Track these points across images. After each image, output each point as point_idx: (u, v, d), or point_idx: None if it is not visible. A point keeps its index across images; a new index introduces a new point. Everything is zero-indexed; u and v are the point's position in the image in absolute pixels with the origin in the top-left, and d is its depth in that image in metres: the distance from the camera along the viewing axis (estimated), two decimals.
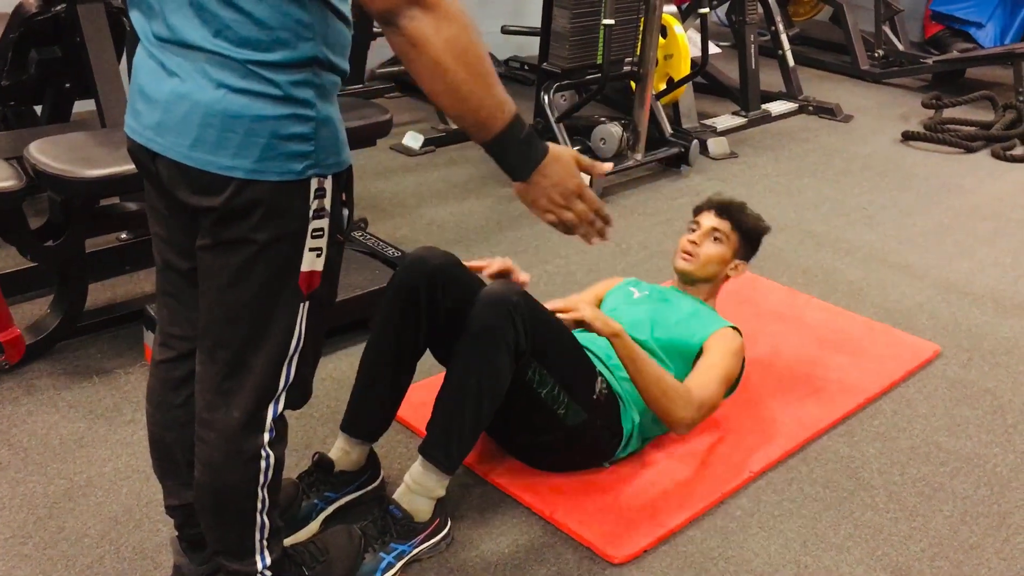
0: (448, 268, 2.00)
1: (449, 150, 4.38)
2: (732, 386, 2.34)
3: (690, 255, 2.40)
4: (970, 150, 4.86)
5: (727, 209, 2.43)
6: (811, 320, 3.03)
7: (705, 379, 2.20)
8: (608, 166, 1.59)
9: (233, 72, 1.32)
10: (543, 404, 2.01)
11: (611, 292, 2.53)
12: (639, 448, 2.29)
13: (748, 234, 2.44)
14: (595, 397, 2.09)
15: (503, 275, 2.04)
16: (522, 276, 2.06)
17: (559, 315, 2.01)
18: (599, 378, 2.12)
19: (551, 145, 1.50)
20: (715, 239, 2.40)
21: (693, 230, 2.44)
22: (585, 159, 1.53)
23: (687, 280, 2.44)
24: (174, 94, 1.35)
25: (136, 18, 1.41)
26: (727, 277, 2.45)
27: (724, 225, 2.41)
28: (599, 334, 2.05)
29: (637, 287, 2.51)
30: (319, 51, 1.35)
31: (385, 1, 1.26)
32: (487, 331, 1.86)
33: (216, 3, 1.29)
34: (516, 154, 1.45)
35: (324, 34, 1.35)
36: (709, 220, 2.42)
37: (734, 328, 2.33)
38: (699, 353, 2.27)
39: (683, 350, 2.28)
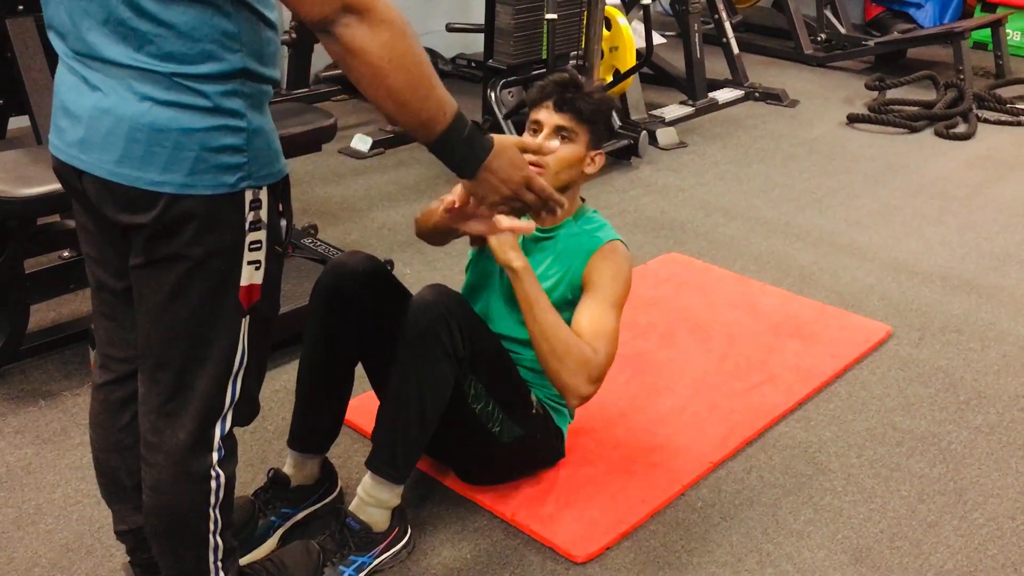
0: (372, 270, 1.95)
1: (398, 152, 4.34)
2: None
3: (539, 167, 1.88)
4: (914, 130, 4.92)
5: (565, 96, 1.96)
6: (764, 307, 3.04)
7: (599, 330, 1.90)
8: (555, 145, 1.55)
9: (158, 84, 1.28)
10: (476, 421, 1.94)
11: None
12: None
13: (596, 119, 2.00)
14: (533, 412, 2.03)
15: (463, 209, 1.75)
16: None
17: (464, 226, 1.75)
18: (532, 391, 2.05)
19: (496, 137, 1.50)
20: (563, 138, 1.96)
21: (535, 131, 1.98)
22: (531, 142, 1.52)
23: None
24: (97, 109, 1.31)
25: (52, 37, 1.37)
26: (585, 175, 2.02)
27: (568, 119, 1.96)
28: (499, 261, 1.84)
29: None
30: (247, 62, 1.32)
31: (319, 11, 1.25)
32: (422, 337, 1.80)
33: (136, 18, 1.25)
34: (460, 153, 1.45)
35: (252, 43, 1.32)
36: (549, 117, 1.96)
37: (613, 240, 2.02)
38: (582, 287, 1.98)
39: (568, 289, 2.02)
